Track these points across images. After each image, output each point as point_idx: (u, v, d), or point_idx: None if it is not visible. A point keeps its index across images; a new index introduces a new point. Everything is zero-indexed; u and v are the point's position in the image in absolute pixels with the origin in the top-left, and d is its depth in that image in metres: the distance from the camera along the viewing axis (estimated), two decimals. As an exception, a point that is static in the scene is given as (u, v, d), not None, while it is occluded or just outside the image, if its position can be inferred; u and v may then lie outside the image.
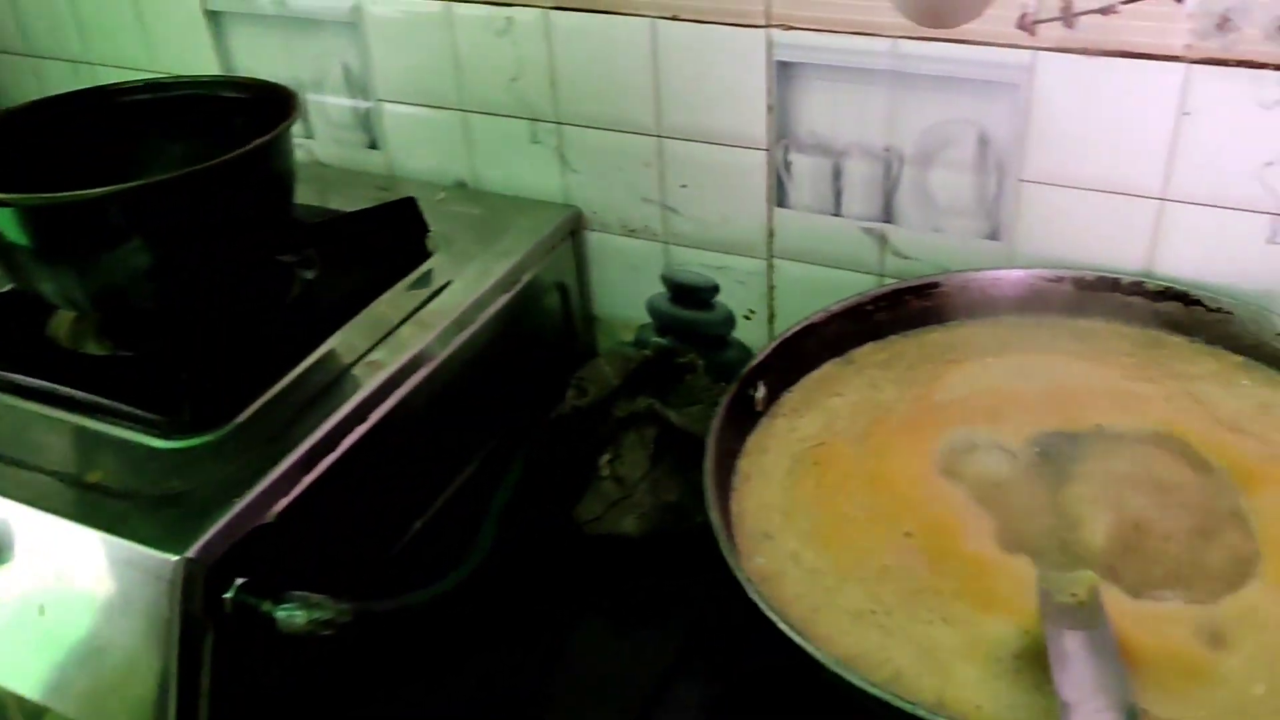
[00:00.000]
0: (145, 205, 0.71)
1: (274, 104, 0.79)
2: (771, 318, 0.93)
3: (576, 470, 0.85)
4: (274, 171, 0.77)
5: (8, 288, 0.81)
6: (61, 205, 0.69)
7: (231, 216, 0.75)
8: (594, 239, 0.96)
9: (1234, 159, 0.71)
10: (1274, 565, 0.59)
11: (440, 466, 0.84)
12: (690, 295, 0.95)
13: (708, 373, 0.89)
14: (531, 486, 0.86)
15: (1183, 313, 0.76)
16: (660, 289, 0.96)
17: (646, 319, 0.98)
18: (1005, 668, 0.56)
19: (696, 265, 0.93)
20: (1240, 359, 0.74)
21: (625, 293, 0.98)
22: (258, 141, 0.72)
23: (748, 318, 0.93)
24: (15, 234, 0.71)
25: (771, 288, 0.91)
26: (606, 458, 0.85)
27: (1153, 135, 0.72)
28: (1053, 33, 0.71)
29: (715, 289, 0.93)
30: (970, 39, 0.74)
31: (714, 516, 0.61)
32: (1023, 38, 0.72)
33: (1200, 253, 0.75)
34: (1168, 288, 0.76)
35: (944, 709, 0.55)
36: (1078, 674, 0.52)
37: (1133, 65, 0.70)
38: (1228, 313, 0.74)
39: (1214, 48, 0.68)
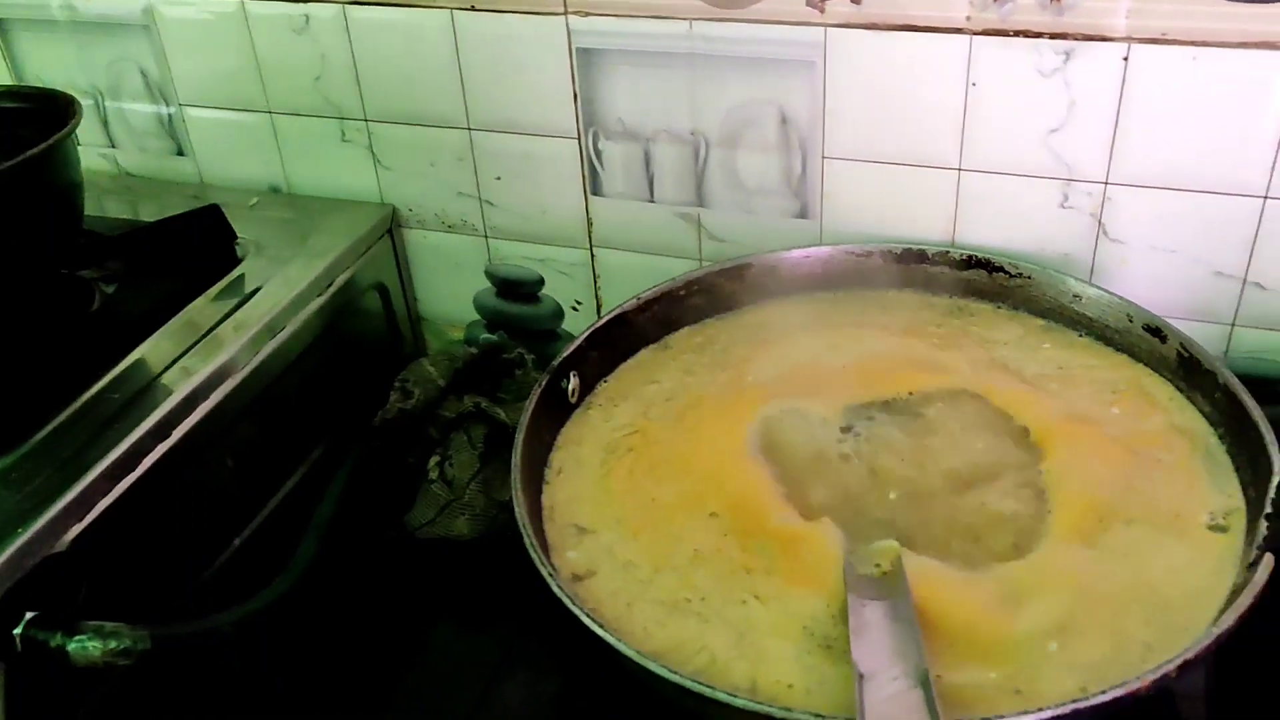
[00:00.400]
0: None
1: (57, 113, 0.76)
2: (599, 308, 0.92)
3: (406, 476, 0.83)
4: (54, 183, 0.74)
5: None
6: None
7: (8, 232, 0.71)
8: (413, 237, 0.94)
9: (1022, 127, 0.73)
10: (1066, 523, 0.61)
11: (260, 479, 0.81)
12: (516, 289, 0.94)
13: (538, 367, 0.88)
14: (359, 495, 0.83)
15: (987, 280, 0.78)
16: (486, 285, 0.95)
17: (475, 316, 0.97)
18: (817, 642, 0.57)
19: (519, 259, 0.92)
20: (1042, 323, 0.76)
21: (451, 291, 0.96)
22: (28, 153, 0.68)
23: (575, 309, 0.93)
24: None
25: (596, 277, 0.90)
26: (435, 460, 0.83)
27: (945, 107, 0.74)
28: (841, 8, 0.72)
29: (540, 282, 0.92)
30: (763, 18, 0.74)
31: (520, 514, 0.60)
32: (813, 15, 0.73)
33: (1000, 221, 0.77)
34: (971, 256, 0.78)
35: (756, 692, 0.54)
36: (875, 644, 0.52)
37: (919, 39, 0.71)
38: (1027, 277, 0.76)
39: (993, 19, 0.69)
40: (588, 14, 0.78)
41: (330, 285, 0.85)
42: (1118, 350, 0.73)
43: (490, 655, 0.72)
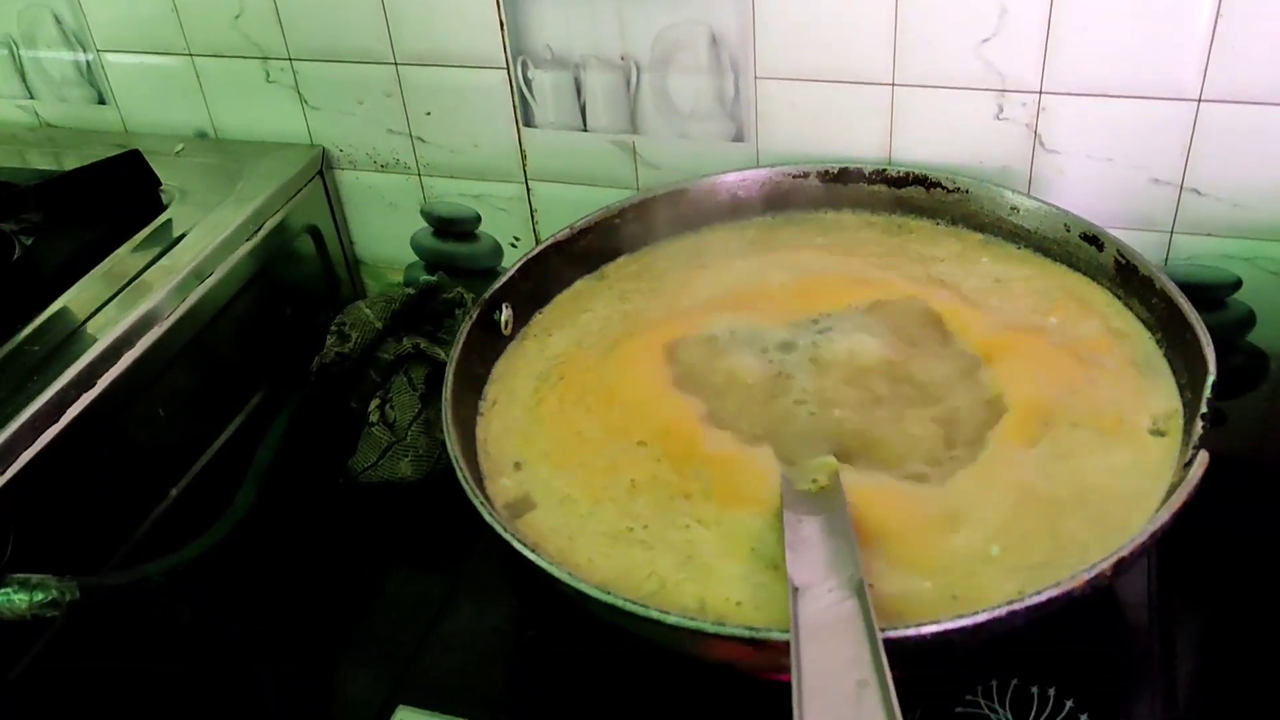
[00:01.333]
0: None
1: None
2: (538, 243, 0.90)
3: (347, 421, 0.82)
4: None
5: None
6: None
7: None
8: (345, 178, 0.92)
9: (953, 38, 0.71)
10: (1010, 428, 0.60)
11: (195, 428, 0.80)
12: (452, 228, 0.92)
13: (478, 306, 0.87)
14: (300, 441, 0.82)
15: (924, 196, 0.77)
16: (422, 225, 0.93)
17: (414, 258, 0.95)
18: (766, 563, 0.56)
19: (455, 196, 0.90)
20: (980, 237, 0.75)
21: (387, 232, 0.94)
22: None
23: (514, 245, 0.91)
24: None
25: (533, 211, 0.89)
26: (375, 404, 0.81)
27: (875, 20, 0.72)
28: (765, -79, 0.70)
29: (477, 219, 0.91)
30: (686, -66, 0.72)
31: (452, 447, 0.59)
32: (738, -71, 0.71)
33: (936, 135, 0.76)
34: (908, 173, 0.77)
35: (705, 611, 0.54)
36: (810, 557, 0.52)
37: (845, -51, 0.70)
38: (965, 192, 0.75)
39: (919, -75, 0.68)
40: (508, -63, 0.76)
41: (260, 229, 0.83)
42: (1056, 261, 0.72)
43: (435, 594, 0.71)
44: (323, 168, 0.90)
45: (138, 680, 0.66)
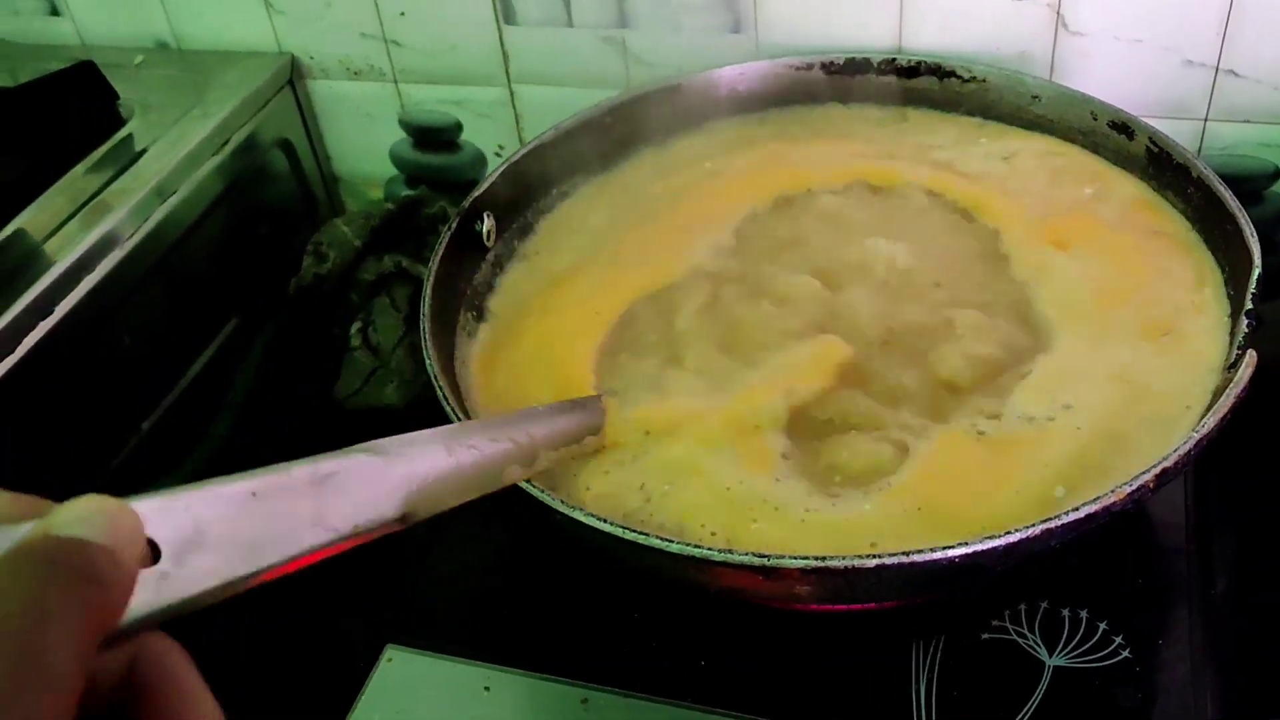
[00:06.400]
0: None
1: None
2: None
3: (328, 346, 0.78)
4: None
5: None
6: None
7: None
8: (318, 88, 0.86)
9: (969, -92, 0.66)
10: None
11: (167, 357, 0.75)
12: (433, 138, 0.86)
13: (464, 220, 0.81)
14: (280, 369, 0.78)
15: (937, 87, 0.71)
16: (401, 136, 0.87)
17: (394, 172, 0.90)
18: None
19: (434, 103, 0.84)
20: (978, 120, 0.70)
21: (365, 145, 0.88)
22: None
23: (499, 154, 0.86)
24: None
25: (518, 117, 0.83)
26: (357, 327, 0.77)
27: (883, -108, 0.66)
28: None
29: (458, 127, 0.85)
30: None
31: (432, 368, 0.54)
32: None
33: (949, 20, 0.70)
34: (920, 62, 0.71)
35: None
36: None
37: None
38: (982, 81, 0.70)
39: None
40: None
41: (226, 143, 0.78)
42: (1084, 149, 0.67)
43: (423, 528, 0.66)
44: (293, 77, 0.84)
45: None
